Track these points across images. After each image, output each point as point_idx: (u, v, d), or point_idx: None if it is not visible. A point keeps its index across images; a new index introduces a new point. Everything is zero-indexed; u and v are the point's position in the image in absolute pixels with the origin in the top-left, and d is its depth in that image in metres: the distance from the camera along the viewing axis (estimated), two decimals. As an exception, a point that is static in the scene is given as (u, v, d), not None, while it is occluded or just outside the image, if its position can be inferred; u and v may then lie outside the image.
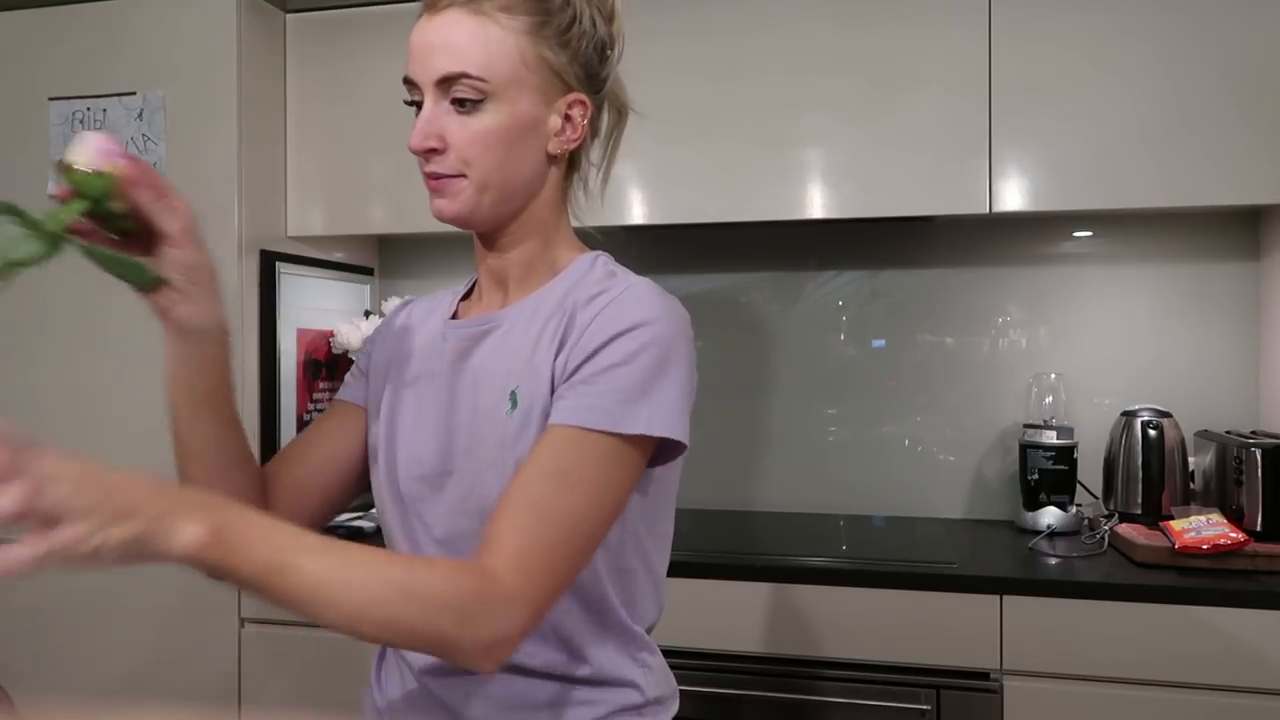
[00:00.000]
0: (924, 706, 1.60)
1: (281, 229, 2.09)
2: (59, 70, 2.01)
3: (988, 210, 1.81)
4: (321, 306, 2.19)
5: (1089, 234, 2.09)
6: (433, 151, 0.86)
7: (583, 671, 0.89)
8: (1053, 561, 1.72)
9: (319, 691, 1.85)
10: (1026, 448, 1.95)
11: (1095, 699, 1.56)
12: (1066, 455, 1.92)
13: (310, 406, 2.15)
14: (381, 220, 2.07)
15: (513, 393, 0.87)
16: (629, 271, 0.93)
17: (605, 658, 0.90)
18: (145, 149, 1.97)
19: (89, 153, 0.77)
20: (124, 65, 1.98)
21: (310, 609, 0.69)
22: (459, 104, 0.85)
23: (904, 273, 2.19)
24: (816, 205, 1.88)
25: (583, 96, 0.90)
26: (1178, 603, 1.52)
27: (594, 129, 0.95)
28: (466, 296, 1.01)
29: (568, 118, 0.89)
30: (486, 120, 0.85)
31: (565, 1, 0.87)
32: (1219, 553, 1.60)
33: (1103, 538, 1.80)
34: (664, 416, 0.82)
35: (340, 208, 2.09)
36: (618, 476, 0.82)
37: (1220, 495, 1.81)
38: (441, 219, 0.89)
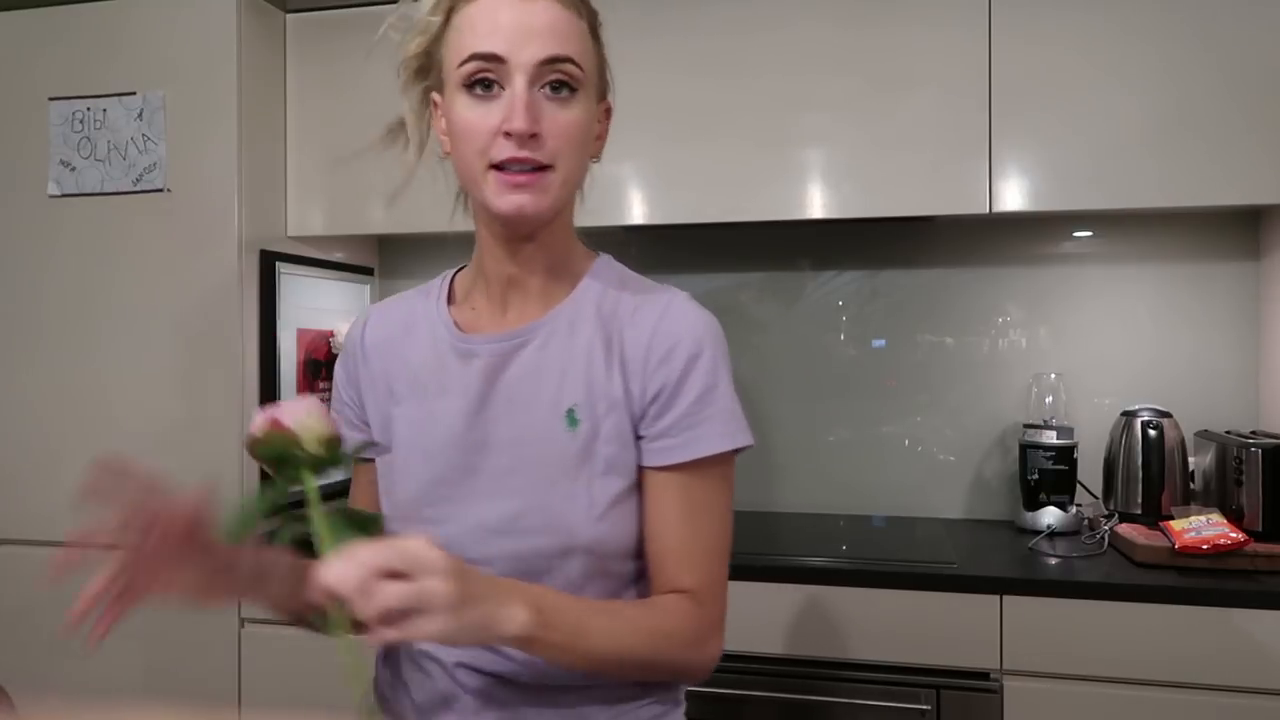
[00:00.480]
0: (924, 706, 1.60)
1: (281, 229, 2.09)
2: (59, 70, 2.01)
3: (988, 210, 1.81)
4: (321, 306, 2.19)
5: (1089, 234, 2.09)
6: (535, 137, 0.81)
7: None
8: (1053, 561, 1.72)
9: (319, 692, 1.85)
10: (1026, 448, 1.95)
11: (1095, 699, 1.56)
12: (1066, 455, 1.92)
13: (310, 406, 2.14)
14: (381, 220, 2.07)
15: (570, 411, 0.86)
16: (642, 277, 0.95)
17: None
18: (145, 149, 1.97)
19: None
20: (124, 65, 1.98)
21: (598, 662, 0.79)
22: (555, 90, 0.81)
23: (904, 273, 2.19)
24: (816, 205, 1.88)
25: (610, 104, 0.91)
26: (1178, 603, 1.52)
27: None
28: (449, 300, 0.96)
29: (600, 122, 0.90)
30: (576, 112, 0.83)
31: (597, 17, 0.88)
32: (1219, 553, 1.60)
33: (1103, 538, 1.80)
34: (744, 424, 0.89)
35: (340, 208, 2.09)
36: (728, 487, 0.91)
37: (1220, 495, 1.81)
38: (521, 216, 0.83)
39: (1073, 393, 2.07)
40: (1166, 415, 1.89)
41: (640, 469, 0.88)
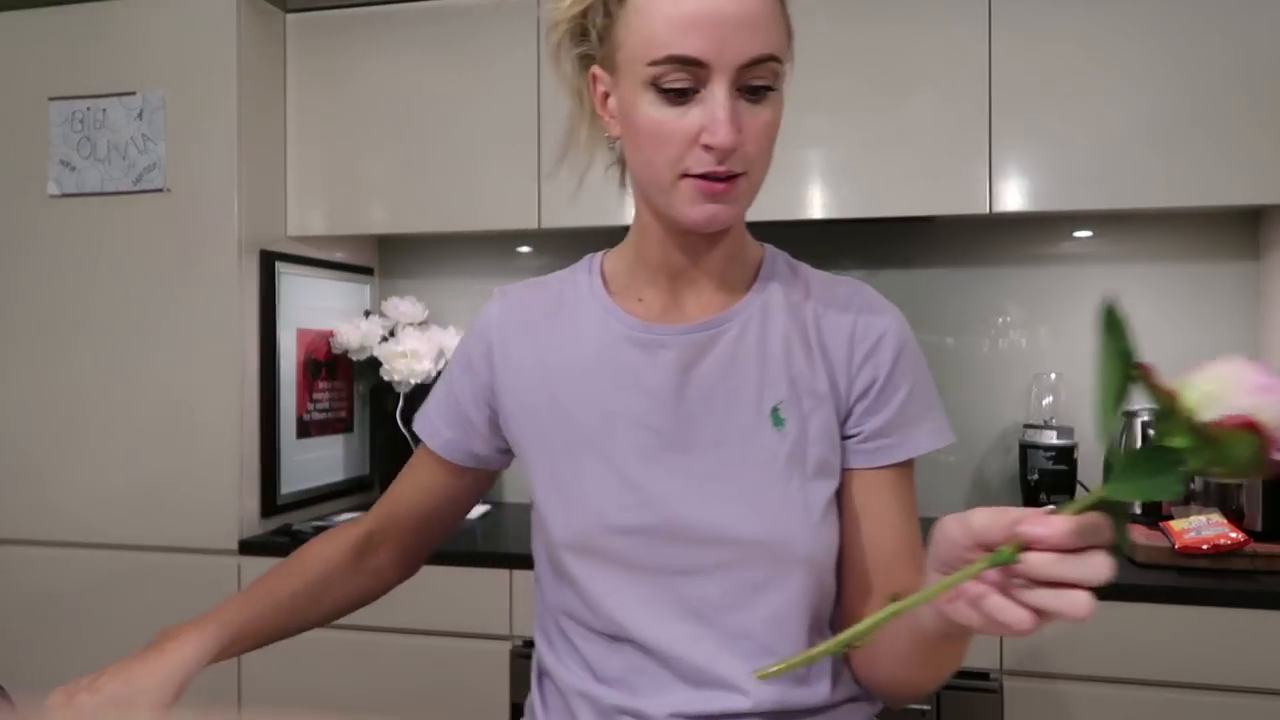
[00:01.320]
0: (924, 706, 1.60)
1: (281, 229, 2.09)
2: (59, 70, 2.01)
3: (988, 210, 1.81)
4: (321, 306, 2.19)
5: (1089, 234, 2.09)
6: (735, 148, 0.72)
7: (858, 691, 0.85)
8: (1053, 561, 1.72)
9: (320, 691, 1.85)
10: (1026, 448, 1.95)
11: (1095, 699, 1.56)
12: (1066, 455, 1.92)
13: (310, 406, 2.15)
14: (381, 220, 2.07)
15: (774, 410, 0.79)
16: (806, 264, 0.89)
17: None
18: (145, 149, 1.97)
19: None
20: (124, 65, 1.98)
21: (941, 674, 0.75)
22: (753, 91, 0.72)
23: (904, 273, 2.19)
24: (816, 205, 1.88)
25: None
26: (1178, 603, 1.52)
27: None
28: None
29: None
30: (773, 112, 0.75)
31: None
32: (1219, 553, 1.60)
33: (1103, 538, 1.80)
34: (946, 419, 0.84)
35: (340, 208, 2.09)
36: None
37: (1220, 495, 1.81)
38: (713, 225, 0.76)
39: (1073, 393, 2.07)
40: (1166, 415, 1.88)
41: (844, 470, 0.81)
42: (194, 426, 1.93)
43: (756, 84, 0.72)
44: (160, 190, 1.96)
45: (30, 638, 2.00)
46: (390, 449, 2.27)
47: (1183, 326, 2.04)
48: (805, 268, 0.88)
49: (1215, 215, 2.01)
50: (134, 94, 1.97)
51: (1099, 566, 0.51)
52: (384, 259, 2.47)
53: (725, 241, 0.82)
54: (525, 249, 2.35)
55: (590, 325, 0.84)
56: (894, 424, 0.80)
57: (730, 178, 0.73)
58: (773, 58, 0.72)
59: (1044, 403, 2.04)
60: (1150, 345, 2.16)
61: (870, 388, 0.80)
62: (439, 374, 2.21)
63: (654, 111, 0.73)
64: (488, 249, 2.37)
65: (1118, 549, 0.54)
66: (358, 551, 0.96)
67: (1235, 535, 1.60)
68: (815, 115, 1.88)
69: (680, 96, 0.72)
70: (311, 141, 2.10)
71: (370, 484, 2.35)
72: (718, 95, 0.71)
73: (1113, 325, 0.53)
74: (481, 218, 2.01)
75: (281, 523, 2.03)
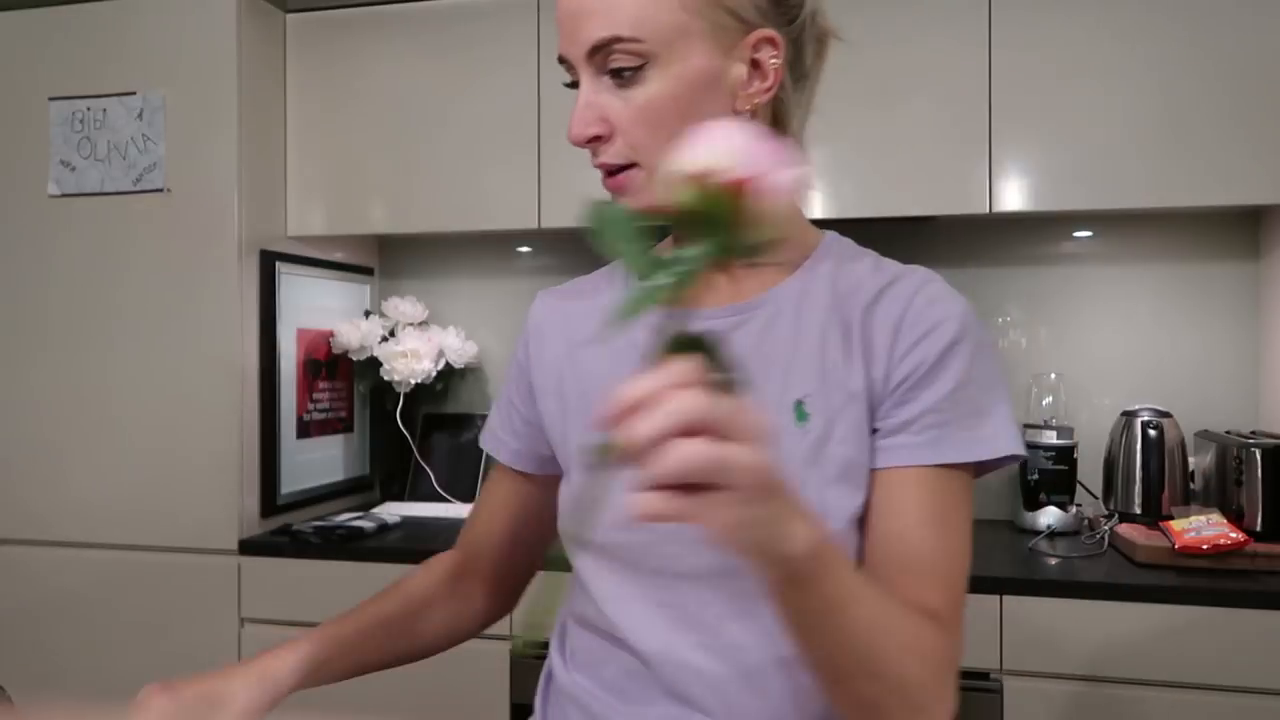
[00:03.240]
0: (924, 706, 1.59)
1: (281, 229, 2.09)
2: (59, 70, 2.01)
3: (988, 210, 1.81)
4: (321, 306, 2.19)
5: (1089, 234, 2.09)
6: (597, 140, 0.71)
7: None
8: (1053, 561, 1.72)
9: (319, 691, 1.85)
10: (1027, 448, 1.95)
11: (1095, 699, 1.56)
12: (1066, 455, 1.92)
13: (310, 406, 2.15)
14: (381, 220, 2.07)
15: (798, 403, 0.73)
16: (884, 257, 0.80)
17: None
18: (145, 149, 1.97)
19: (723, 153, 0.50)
20: (124, 65, 1.98)
21: (844, 648, 0.61)
22: (616, 75, 0.70)
23: (904, 273, 2.18)
24: (816, 205, 1.88)
25: (771, 33, 0.72)
26: (1178, 603, 1.52)
27: (796, 71, 0.76)
28: None
29: (755, 63, 0.72)
30: (650, 90, 0.69)
31: None
32: (1219, 553, 1.60)
33: (1103, 538, 1.80)
34: (1012, 429, 0.73)
35: (340, 208, 2.09)
36: (971, 502, 0.74)
37: (1220, 495, 1.81)
38: None
39: (1073, 393, 2.07)
40: (1166, 415, 1.89)
41: (871, 472, 0.73)
42: (194, 426, 1.93)
43: (615, 67, 0.69)
44: (160, 190, 1.96)
45: (30, 638, 2.00)
46: (390, 449, 2.27)
47: (1183, 326, 2.04)
48: (872, 256, 0.80)
49: (1215, 215, 2.01)
50: (134, 94, 1.97)
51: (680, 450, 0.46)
52: (384, 259, 2.47)
53: None
54: (525, 249, 2.35)
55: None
56: (929, 420, 0.71)
57: (619, 170, 0.72)
58: (618, 39, 0.68)
59: (1044, 403, 2.04)
60: (1150, 345, 2.15)
61: (909, 378, 0.72)
62: (440, 374, 2.22)
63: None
64: (488, 249, 2.37)
65: (727, 379, 0.50)
66: (452, 577, 0.93)
67: (1235, 535, 1.60)
68: (815, 115, 1.87)
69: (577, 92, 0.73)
70: (311, 141, 2.10)
71: (370, 484, 2.35)
72: (581, 88, 0.72)
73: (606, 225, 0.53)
74: (481, 218, 2.01)
75: (281, 523, 2.03)
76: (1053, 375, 2.06)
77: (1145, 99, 1.76)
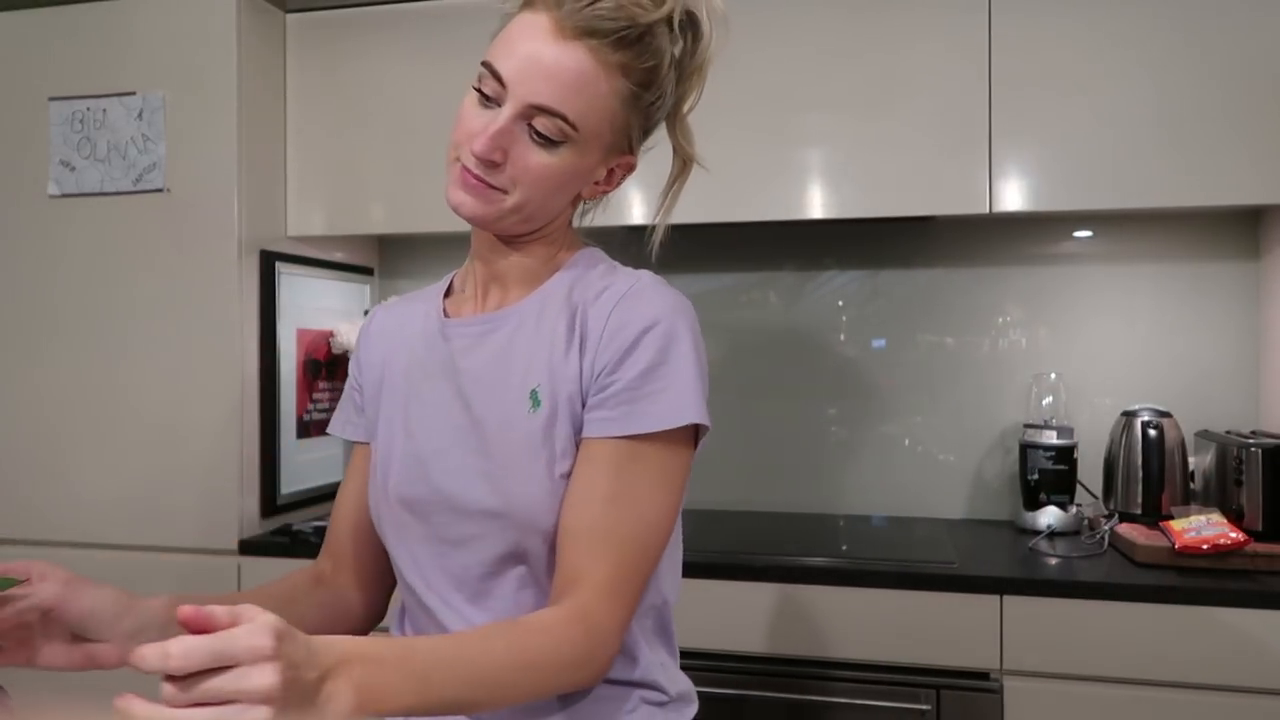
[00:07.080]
0: (924, 706, 1.60)
1: (281, 229, 2.09)
2: (59, 70, 2.01)
3: (988, 210, 1.81)
4: (321, 306, 2.19)
5: (1089, 234, 2.09)
6: (492, 163, 0.83)
7: (634, 675, 0.88)
8: (1053, 561, 1.72)
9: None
10: (1026, 448, 1.95)
11: (1095, 699, 1.56)
12: (1066, 455, 1.92)
13: (310, 406, 2.15)
14: (381, 220, 2.07)
15: (533, 392, 0.85)
16: (624, 266, 0.94)
17: (655, 660, 0.90)
18: (145, 149, 1.97)
19: None
20: (124, 65, 1.98)
21: (462, 706, 0.70)
22: (538, 136, 0.82)
23: (904, 273, 2.19)
24: (816, 205, 1.88)
25: (633, 159, 0.91)
26: (1178, 603, 1.52)
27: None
28: (448, 294, 0.99)
29: (611, 172, 0.91)
30: (555, 161, 0.84)
31: (659, 81, 0.87)
32: (1219, 553, 1.60)
33: (1103, 538, 1.80)
34: (697, 403, 0.83)
35: (340, 208, 2.09)
36: (674, 475, 0.85)
37: (1220, 495, 1.81)
38: (459, 213, 0.86)
39: (1073, 393, 2.07)
40: (1166, 415, 1.89)
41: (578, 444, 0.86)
42: (194, 426, 1.93)
43: (538, 129, 0.82)
44: (160, 190, 1.96)
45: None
46: (390, 449, 2.26)
47: (1183, 326, 2.04)
48: (612, 266, 0.94)
49: (1215, 215, 2.01)
50: (134, 94, 1.97)
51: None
52: (384, 259, 2.47)
53: (526, 256, 0.92)
54: (525, 249, 2.35)
55: (421, 321, 0.96)
56: (619, 398, 0.83)
57: (485, 184, 0.84)
58: (561, 116, 0.81)
59: (1044, 403, 2.04)
60: (1150, 345, 2.15)
61: (609, 362, 0.84)
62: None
63: (466, 100, 0.86)
64: (488, 249, 2.37)
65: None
66: (317, 571, 1.01)
67: (1235, 535, 1.60)
68: (815, 115, 1.88)
69: (485, 100, 0.84)
70: (311, 141, 2.10)
71: (370, 484, 2.35)
72: (501, 114, 0.82)
73: None
74: (481, 218, 2.01)
75: (281, 523, 2.03)
76: (1053, 375, 2.06)
77: (1145, 99, 1.76)
